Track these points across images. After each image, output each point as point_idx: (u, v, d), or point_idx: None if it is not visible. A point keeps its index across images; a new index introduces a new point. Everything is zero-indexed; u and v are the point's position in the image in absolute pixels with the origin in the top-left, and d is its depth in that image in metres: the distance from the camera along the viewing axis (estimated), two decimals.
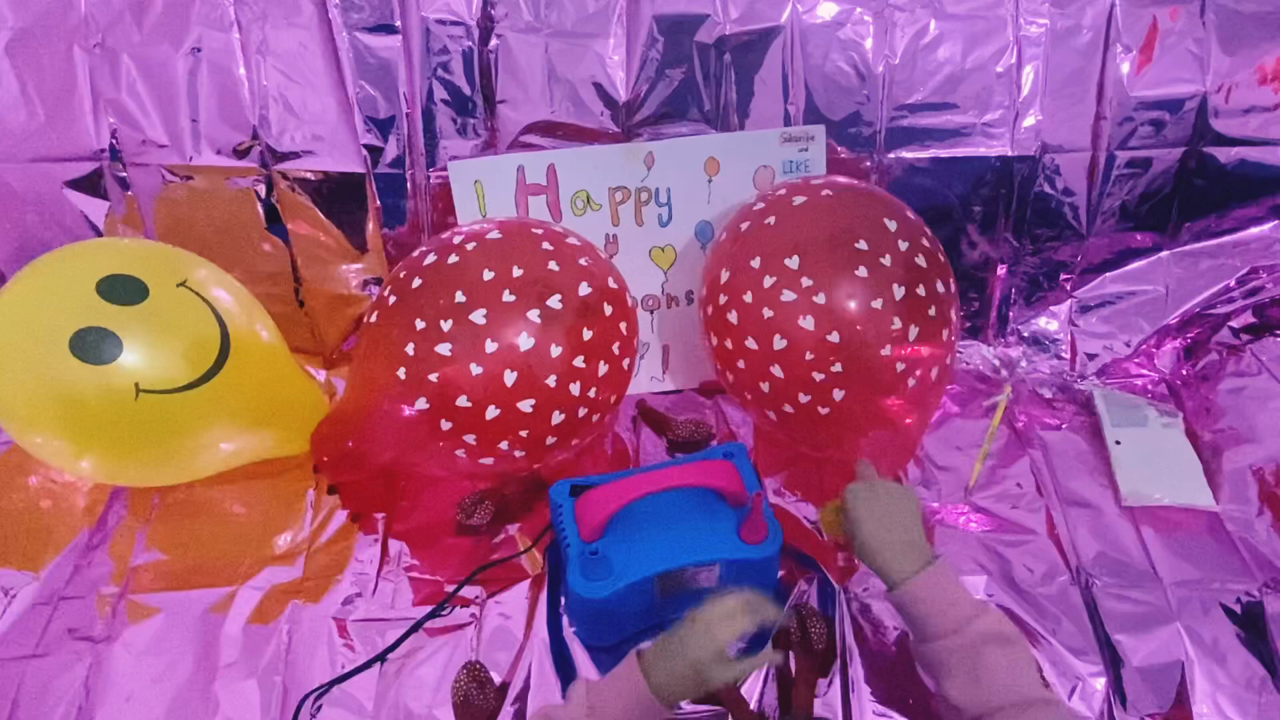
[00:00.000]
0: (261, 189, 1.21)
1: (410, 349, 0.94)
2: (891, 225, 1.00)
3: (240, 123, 1.17)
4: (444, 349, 0.93)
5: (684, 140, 1.19)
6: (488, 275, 0.96)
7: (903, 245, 0.99)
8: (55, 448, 1.00)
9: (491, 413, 0.95)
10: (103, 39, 1.14)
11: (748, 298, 1.00)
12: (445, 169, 1.18)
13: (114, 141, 1.18)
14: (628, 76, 1.17)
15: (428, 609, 0.98)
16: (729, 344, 1.04)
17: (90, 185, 1.20)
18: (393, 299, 0.99)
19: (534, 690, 0.91)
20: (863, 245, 0.97)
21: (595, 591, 0.88)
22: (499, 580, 1.01)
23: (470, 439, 0.97)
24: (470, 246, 1.00)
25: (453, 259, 0.98)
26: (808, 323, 0.96)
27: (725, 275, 1.04)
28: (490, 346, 0.93)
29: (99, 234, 1.22)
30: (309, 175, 1.20)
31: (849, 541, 0.83)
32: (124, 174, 1.20)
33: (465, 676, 0.90)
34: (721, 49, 1.16)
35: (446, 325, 0.93)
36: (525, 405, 0.95)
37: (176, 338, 0.98)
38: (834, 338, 0.95)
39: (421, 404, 0.95)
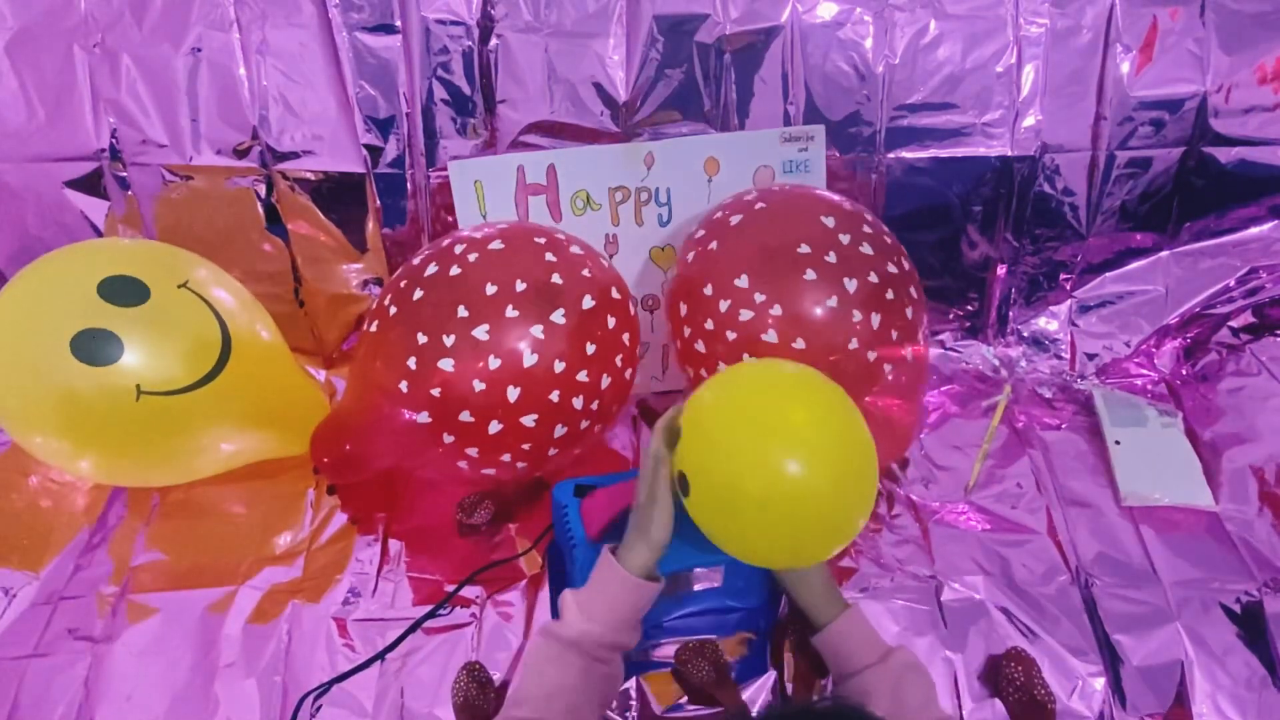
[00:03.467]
0: (261, 189, 1.21)
1: (412, 363, 0.93)
2: (829, 221, 1.01)
3: (240, 123, 1.17)
4: (446, 364, 0.92)
5: (684, 140, 1.19)
6: (490, 289, 0.94)
7: (844, 239, 0.99)
8: (56, 448, 1.00)
9: (494, 428, 0.94)
10: (103, 39, 1.14)
11: (709, 325, 1.01)
12: (445, 169, 1.18)
13: (114, 141, 1.18)
14: (628, 76, 1.17)
15: (428, 609, 0.98)
16: (704, 372, 1.04)
17: (90, 185, 1.20)
18: (393, 309, 0.97)
19: None
20: (805, 249, 0.98)
21: None
22: (499, 580, 1.01)
23: (472, 451, 0.97)
24: (472, 258, 0.98)
25: (455, 270, 0.97)
26: (771, 336, 0.96)
27: (684, 309, 1.06)
28: (494, 363, 0.92)
29: (99, 234, 1.22)
30: (309, 175, 1.20)
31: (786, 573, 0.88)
32: (124, 174, 1.20)
33: (465, 677, 0.89)
34: (721, 49, 1.16)
35: (449, 340, 0.92)
36: (528, 420, 0.95)
37: (178, 339, 0.98)
38: (800, 344, 0.96)
39: (423, 418, 0.94)
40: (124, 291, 0.96)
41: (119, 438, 0.98)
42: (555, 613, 0.96)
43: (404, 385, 0.94)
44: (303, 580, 1.03)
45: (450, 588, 1.00)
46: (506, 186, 1.18)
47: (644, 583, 0.78)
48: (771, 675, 0.91)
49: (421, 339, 0.93)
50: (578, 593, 0.79)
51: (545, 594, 0.99)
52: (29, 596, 1.01)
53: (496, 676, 0.92)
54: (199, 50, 1.14)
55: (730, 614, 0.94)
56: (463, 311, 0.93)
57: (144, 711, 0.91)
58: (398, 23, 1.13)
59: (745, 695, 0.90)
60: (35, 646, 0.96)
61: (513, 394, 0.93)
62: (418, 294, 0.96)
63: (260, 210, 1.23)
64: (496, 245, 0.99)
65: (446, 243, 1.02)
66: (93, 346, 0.93)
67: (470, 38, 1.15)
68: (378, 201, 1.22)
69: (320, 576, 1.03)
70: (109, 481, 1.13)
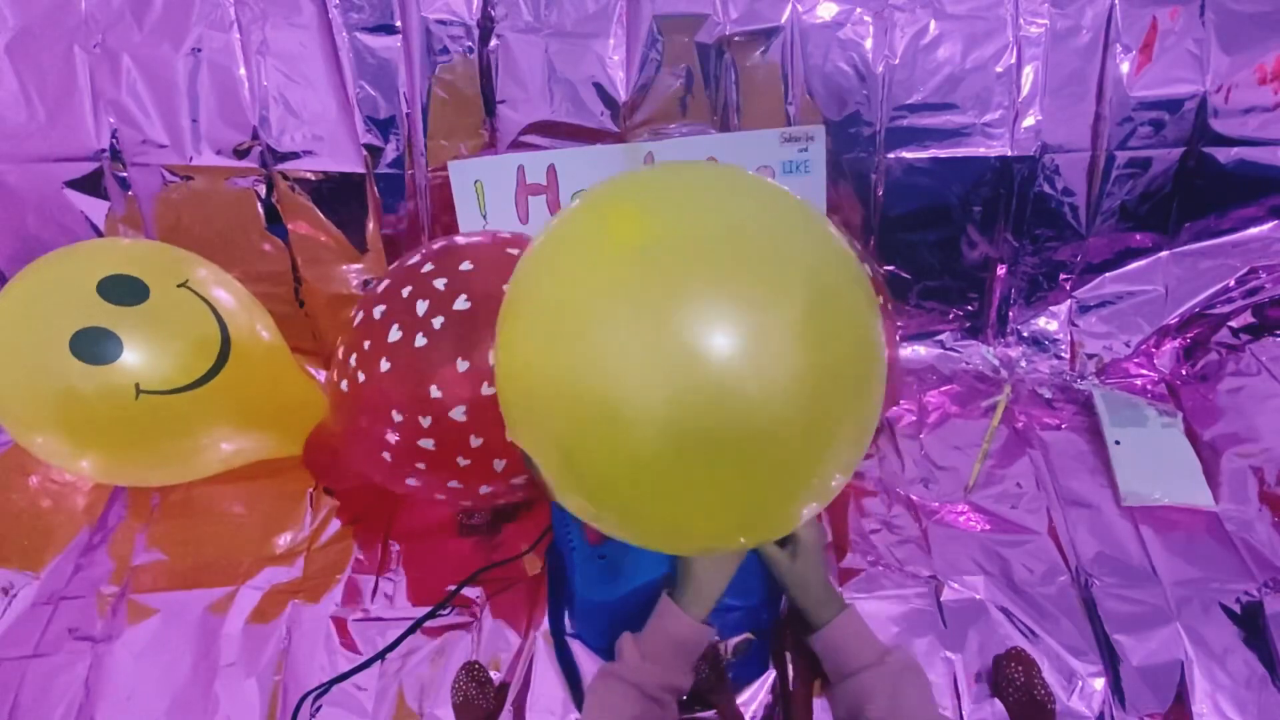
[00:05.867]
0: (261, 189, 1.21)
1: (398, 417, 0.89)
2: None
3: (240, 123, 1.17)
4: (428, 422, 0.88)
5: (684, 140, 1.19)
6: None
7: None
8: (56, 448, 1.00)
9: (499, 465, 0.92)
10: (103, 39, 1.14)
11: None
12: (445, 169, 1.18)
13: (114, 141, 1.18)
14: (628, 76, 1.17)
15: (428, 609, 0.98)
16: None
17: (90, 185, 1.20)
18: (386, 365, 0.90)
19: (534, 690, 0.91)
20: None
21: (603, 595, 0.88)
22: (499, 581, 1.01)
23: (460, 484, 0.95)
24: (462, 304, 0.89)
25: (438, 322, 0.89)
26: None
27: None
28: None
29: (99, 234, 1.22)
30: (309, 175, 1.20)
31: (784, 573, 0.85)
32: (124, 174, 1.20)
33: (465, 677, 0.90)
34: (721, 49, 1.16)
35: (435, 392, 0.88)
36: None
37: (177, 338, 0.98)
38: None
39: (419, 466, 0.92)
40: (124, 291, 0.96)
41: (119, 437, 0.98)
42: (554, 616, 0.97)
43: (392, 438, 0.91)
44: (303, 580, 1.03)
45: (450, 588, 1.00)
46: (507, 187, 1.18)
47: (700, 626, 0.80)
48: (771, 675, 0.91)
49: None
50: (638, 636, 0.81)
51: (545, 595, 0.99)
52: (29, 596, 1.01)
53: (496, 677, 0.92)
54: (199, 50, 1.14)
55: (730, 613, 0.94)
56: (462, 366, 0.87)
57: (144, 711, 0.91)
58: (398, 23, 1.13)
59: (745, 695, 0.90)
60: (35, 646, 0.96)
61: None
62: (402, 335, 0.89)
63: (260, 210, 1.23)
64: (466, 267, 0.92)
65: (421, 269, 0.94)
66: (92, 346, 0.93)
67: (470, 38, 1.15)
68: (378, 201, 1.22)
69: (320, 576, 1.03)
70: (109, 481, 1.13)
